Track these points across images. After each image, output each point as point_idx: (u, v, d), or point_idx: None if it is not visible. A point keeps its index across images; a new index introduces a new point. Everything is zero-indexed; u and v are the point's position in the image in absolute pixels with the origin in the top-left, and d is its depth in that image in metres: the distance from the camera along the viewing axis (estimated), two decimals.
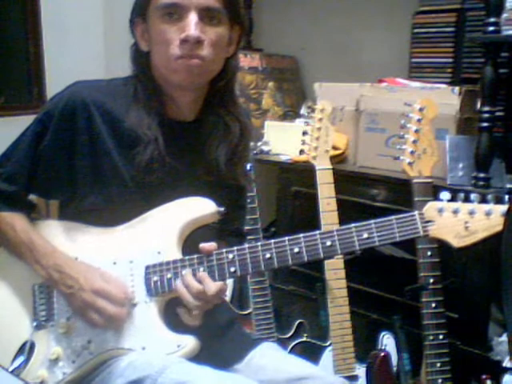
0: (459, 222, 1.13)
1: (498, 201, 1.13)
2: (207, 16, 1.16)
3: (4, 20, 2.45)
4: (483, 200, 1.14)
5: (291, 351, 1.98)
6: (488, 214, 1.12)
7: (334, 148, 2.00)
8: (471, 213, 1.13)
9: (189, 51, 1.16)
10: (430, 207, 1.15)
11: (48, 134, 1.23)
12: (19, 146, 1.26)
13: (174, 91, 1.23)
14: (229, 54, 1.25)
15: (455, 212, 1.13)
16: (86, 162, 1.22)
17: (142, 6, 1.21)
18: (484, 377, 1.69)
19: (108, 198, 1.22)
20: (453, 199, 1.15)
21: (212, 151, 1.26)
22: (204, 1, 1.15)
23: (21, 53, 2.50)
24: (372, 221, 1.14)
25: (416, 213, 1.14)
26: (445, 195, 1.15)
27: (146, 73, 1.24)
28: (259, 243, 1.17)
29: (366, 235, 1.14)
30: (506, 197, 1.13)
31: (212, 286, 1.14)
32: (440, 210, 1.14)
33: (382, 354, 1.80)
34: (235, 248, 1.17)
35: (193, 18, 1.14)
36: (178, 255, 1.20)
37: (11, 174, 1.26)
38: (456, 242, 1.14)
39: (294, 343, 2.01)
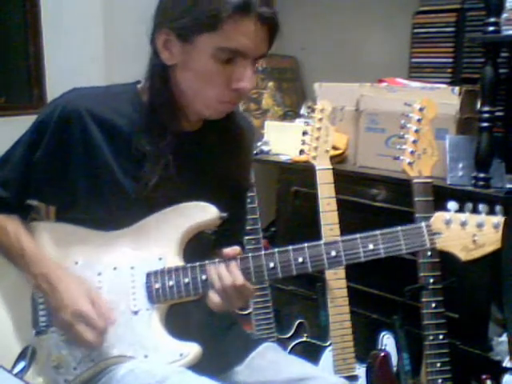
0: (467, 234, 1.11)
1: (507, 212, 1.11)
2: (255, 61, 1.15)
3: (4, 20, 2.45)
4: (491, 211, 1.11)
5: (291, 351, 1.98)
6: (496, 226, 1.10)
7: (334, 148, 2.00)
8: (479, 225, 1.10)
9: (236, 98, 1.16)
10: (438, 218, 1.12)
11: (42, 144, 1.21)
12: (15, 152, 1.25)
13: (190, 109, 1.21)
14: None
15: (463, 224, 1.11)
16: (84, 173, 1.20)
17: (188, 27, 1.09)
18: (484, 377, 1.69)
19: (108, 209, 1.19)
20: (460, 209, 1.12)
21: (218, 158, 1.24)
22: (263, 50, 1.13)
23: (21, 53, 2.50)
24: (378, 232, 1.12)
25: (423, 224, 1.12)
26: (452, 205, 1.12)
27: (163, 87, 1.17)
28: (262, 252, 1.16)
29: (371, 246, 1.12)
30: None
31: (241, 279, 1.13)
32: (447, 222, 1.11)
33: (382, 354, 1.80)
34: (238, 257, 1.16)
35: (250, 68, 1.12)
36: (178, 261, 1.18)
37: (5, 180, 1.25)
38: (463, 256, 1.11)
39: (294, 343, 2.01)
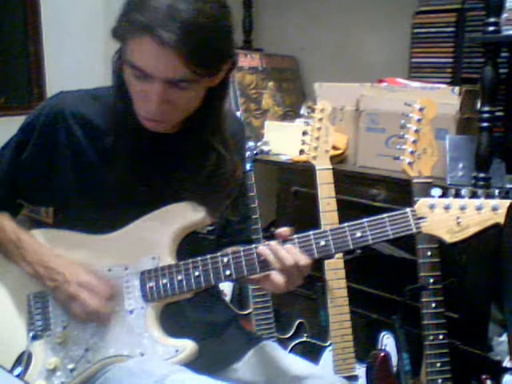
0: (451, 217, 1.14)
1: (488, 196, 1.14)
2: (174, 83, 1.07)
3: (4, 20, 2.45)
4: (473, 195, 1.15)
5: (291, 351, 1.98)
6: (479, 208, 1.13)
7: (334, 148, 2.00)
8: (462, 208, 1.14)
9: (154, 117, 1.12)
10: (422, 204, 1.16)
11: (29, 145, 1.23)
12: (4, 155, 1.27)
13: None
14: (213, 83, 1.15)
15: (447, 208, 1.15)
16: (70, 175, 1.22)
17: (115, 29, 1.09)
18: (484, 377, 1.69)
19: (97, 209, 1.21)
20: (444, 195, 1.16)
21: (199, 160, 1.22)
22: (170, 71, 1.04)
23: (21, 53, 2.50)
24: (365, 219, 1.15)
25: (408, 210, 1.15)
26: (436, 191, 1.16)
27: (124, 88, 1.15)
28: (253, 245, 1.17)
29: (359, 234, 1.14)
30: (496, 191, 1.14)
31: (302, 257, 1.13)
32: (431, 207, 1.15)
33: (382, 354, 1.80)
34: (230, 251, 1.17)
35: (155, 90, 1.06)
36: (172, 260, 1.19)
37: None
38: (448, 238, 1.15)
39: (293, 343, 2.01)
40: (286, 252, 1.13)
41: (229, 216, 1.35)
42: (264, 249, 1.15)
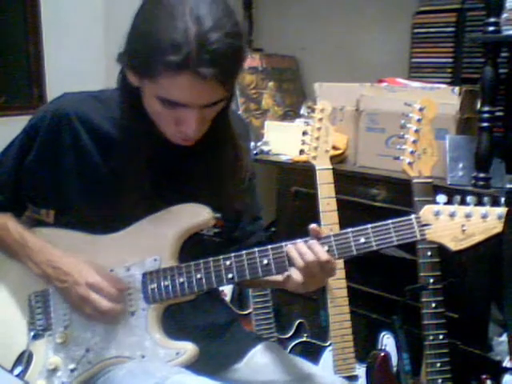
0: (456, 225, 1.13)
1: (494, 203, 1.14)
2: (210, 104, 1.09)
3: (4, 20, 2.45)
4: (479, 202, 1.14)
5: (291, 351, 1.98)
6: (484, 216, 1.12)
7: (334, 148, 2.00)
8: (468, 216, 1.13)
9: (186, 138, 1.13)
10: (427, 210, 1.15)
11: (33, 148, 1.22)
12: (7, 156, 1.26)
13: None
14: None
15: (452, 215, 1.14)
16: (75, 178, 1.21)
17: (133, 70, 1.09)
18: (484, 377, 1.69)
19: (101, 212, 1.20)
20: (449, 202, 1.15)
21: (208, 162, 1.23)
22: (209, 98, 1.07)
23: (21, 53, 2.50)
24: (369, 225, 1.14)
25: (413, 216, 1.14)
26: (441, 198, 1.15)
27: (134, 103, 1.14)
28: (256, 249, 1.16)
29: (363, 240, 1.14)
30: (502, 199, 1.13)
31: (324, 254, 1.12)
32: (437, 214, 1.14)
33: (382, 354, 1.80)
34: (232, 254, 1.16)
35: (194, 116, 1.08)
36: (174, 262, 1.19)
37: None
38: (453, 246, 1.14)
39: (293, 343, 2.02)
40: (306, 248, 1.13)
41: (240, 210, 1.34)
42: (291, 248, 1.14)
